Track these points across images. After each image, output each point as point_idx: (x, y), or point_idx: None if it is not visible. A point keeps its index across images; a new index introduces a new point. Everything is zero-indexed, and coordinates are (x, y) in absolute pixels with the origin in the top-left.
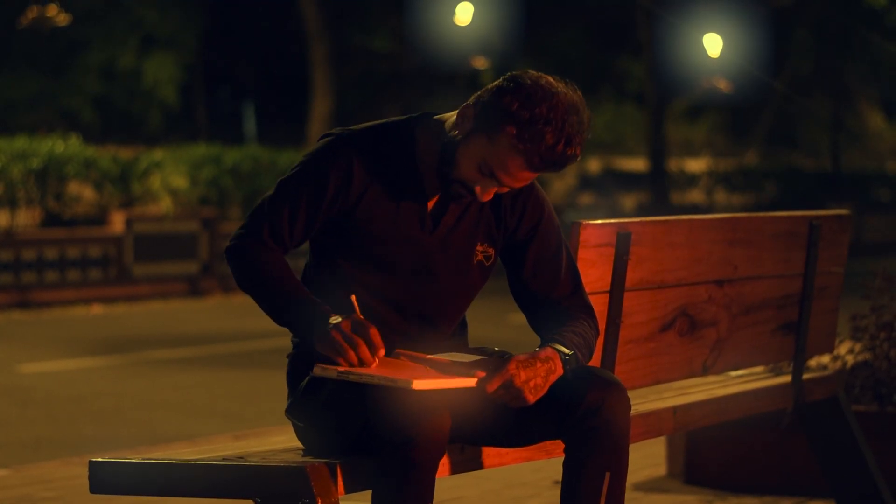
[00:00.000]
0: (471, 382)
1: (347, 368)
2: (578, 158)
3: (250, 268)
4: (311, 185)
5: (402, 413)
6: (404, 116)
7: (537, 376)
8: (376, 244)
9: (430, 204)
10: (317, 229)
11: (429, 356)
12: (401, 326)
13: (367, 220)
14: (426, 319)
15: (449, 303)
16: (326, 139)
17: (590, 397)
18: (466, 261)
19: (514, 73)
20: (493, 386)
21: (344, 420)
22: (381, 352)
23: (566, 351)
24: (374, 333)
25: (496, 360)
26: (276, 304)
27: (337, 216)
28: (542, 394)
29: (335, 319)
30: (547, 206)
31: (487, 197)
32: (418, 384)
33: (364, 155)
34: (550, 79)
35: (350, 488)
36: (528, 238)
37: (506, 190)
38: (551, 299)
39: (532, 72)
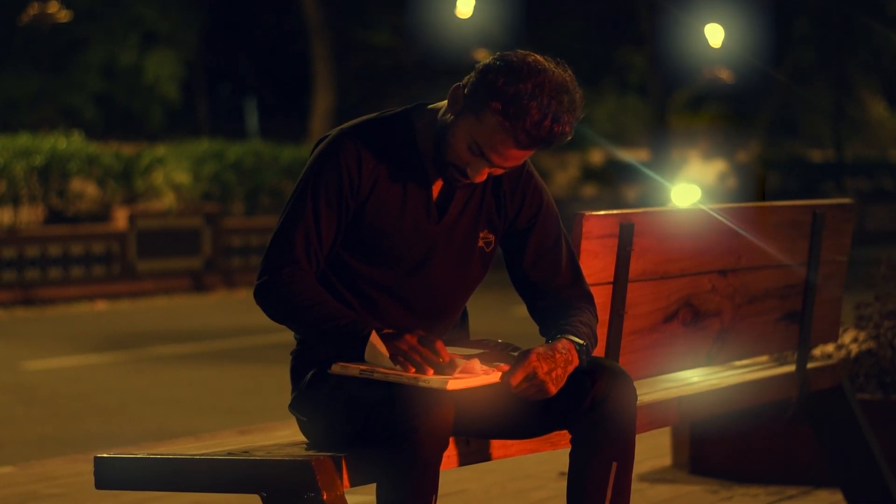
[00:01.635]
0: (495, 378)
1: (370, 367)
2: (569, 137)
3: (288, 299)
4: (326, 184)
5: (406, 406)
6: (400, 108)
7: (558, 367)
8: (384, 237)
9: (435, 193)
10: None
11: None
12: (405, 320)
13: (377, 214)
14: (430, 311)
15: (452, 293)
16: (326, 140)
17: (597, 388)
18: (469, 249)
19: (503, 52)
20: (516, 379)
21: (347, 414)
22: (447, 357)
23: (580, 341)
24: (441, 345)
25: (508, 353)
26: (322, 329)
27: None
28: (562, 384)
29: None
30: (546, 194)
31: (479, 178)
32: (453, 384)
33: (368, 147)
34: (539, 57)
35: (355, 482)
36: (528, 227)
37: (498, 172)
38: (552, 289)
39: (521, 51)
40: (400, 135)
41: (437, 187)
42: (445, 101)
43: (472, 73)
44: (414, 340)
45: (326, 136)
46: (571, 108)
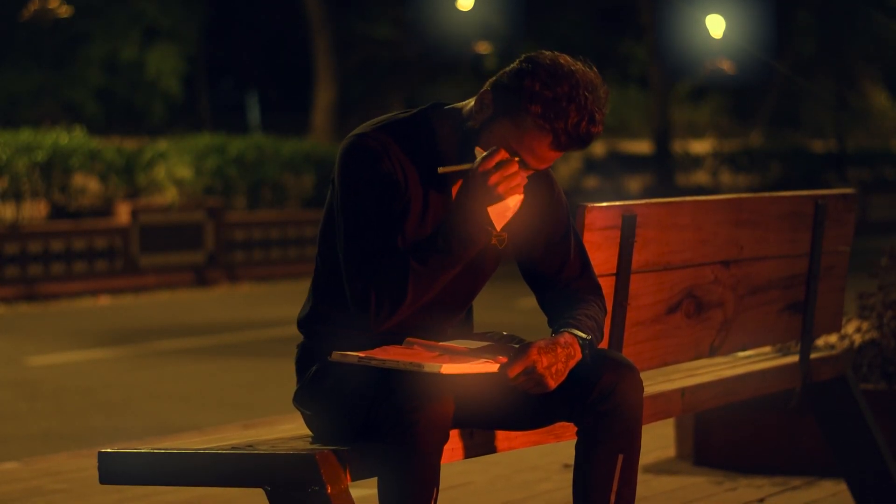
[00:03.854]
0: (493, 368)
1: (369, 354)
2: (601, 135)
3: (397, 286)
4: (373, 192)
5: (405, 400)
6: (416, 108)
7: (558, 361)
8: (410, 233)
9: (453, 195)
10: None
11: (441, 343)
12: (416, 316)
13: (404, 212)
14: (440, 308)
15: (463, 290)
16: (351, 144)
17: (603, 380)
18: (483, 247)
19: (529, 54)
20: (514, 371)
21: (349, 407)
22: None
23: (583, 335)
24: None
25: (511, 346)
26: (429, 258)
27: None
28: (562, 379)
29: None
30: (556, 187)
31: None
32: (447, 368)
33: (393, 149)
34: (567, 57)
35: (358, 475)
36: (537, 220)
37: (530, 172)
38: (560, 280)
39: (547, 52)
40: (420, 137)
41: (455, 190)
42: (465, 103)
43: (502, 77)
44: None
45: (352, 146)
46: (601, 105)
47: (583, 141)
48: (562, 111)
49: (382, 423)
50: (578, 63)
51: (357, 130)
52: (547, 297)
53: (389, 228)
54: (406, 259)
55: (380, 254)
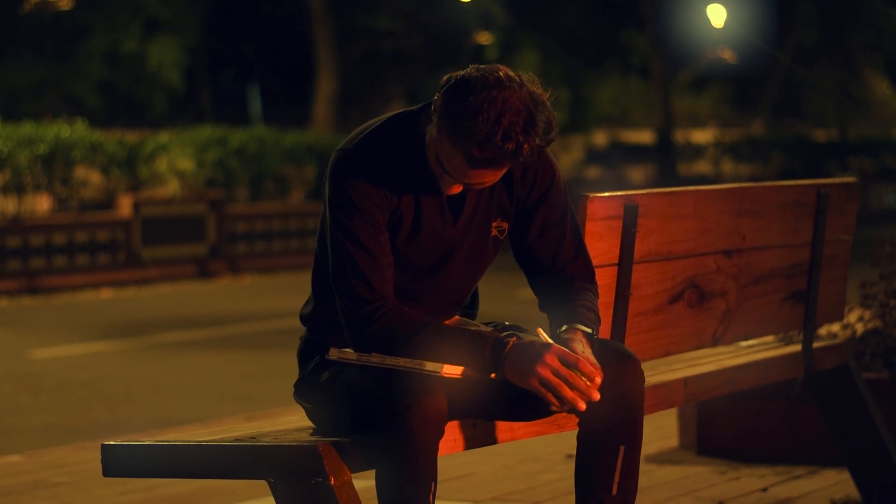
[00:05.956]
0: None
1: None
2: (526, 155)
3: (405, 337)
4: (360, 211)
5: (398, 397)
6: (410, 108)
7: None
8: (402, 249)
9: (446, 196)
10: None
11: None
12: (415, 308)
13: (396, 228)
14: (442, 304)
15: (464, 283)
16: (336, 162)
17: (605, 372)
18: (484, 241)
19: (475, 66)
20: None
21: (344, 403)
22: (599, 379)
23: (587, 329)
24: (584, 364)
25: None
26: (446, 349)
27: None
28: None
29: (524, 343)
30: (556, 171)
31: (452, 191)
32: (448, 370)
33: (380, 160)
34: (507, 73)
35: (358, 467)
36: (536, 205)
37: (479, 187)
38: (555, 265)
39: (497, 66)
40: (407, 140)
41: (451, 190)
42: None
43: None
44: (556, 362)
45: (337, 164)
46: (529, 128)
47: (496, 158)
48: (469, 124)
49: (377, 420)
50: (522, 79)
51: (344, 143)
52: (541, 282)
53: (379, 256)
54: (414, 324)
55: (379, 290)
